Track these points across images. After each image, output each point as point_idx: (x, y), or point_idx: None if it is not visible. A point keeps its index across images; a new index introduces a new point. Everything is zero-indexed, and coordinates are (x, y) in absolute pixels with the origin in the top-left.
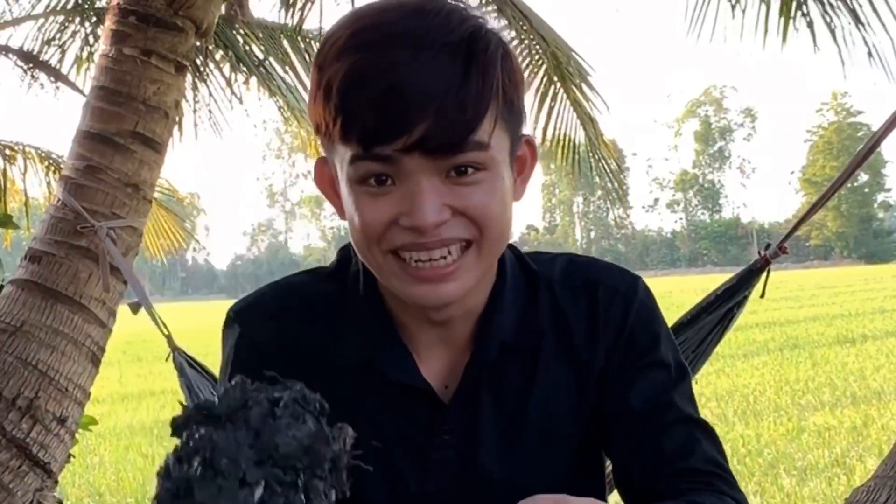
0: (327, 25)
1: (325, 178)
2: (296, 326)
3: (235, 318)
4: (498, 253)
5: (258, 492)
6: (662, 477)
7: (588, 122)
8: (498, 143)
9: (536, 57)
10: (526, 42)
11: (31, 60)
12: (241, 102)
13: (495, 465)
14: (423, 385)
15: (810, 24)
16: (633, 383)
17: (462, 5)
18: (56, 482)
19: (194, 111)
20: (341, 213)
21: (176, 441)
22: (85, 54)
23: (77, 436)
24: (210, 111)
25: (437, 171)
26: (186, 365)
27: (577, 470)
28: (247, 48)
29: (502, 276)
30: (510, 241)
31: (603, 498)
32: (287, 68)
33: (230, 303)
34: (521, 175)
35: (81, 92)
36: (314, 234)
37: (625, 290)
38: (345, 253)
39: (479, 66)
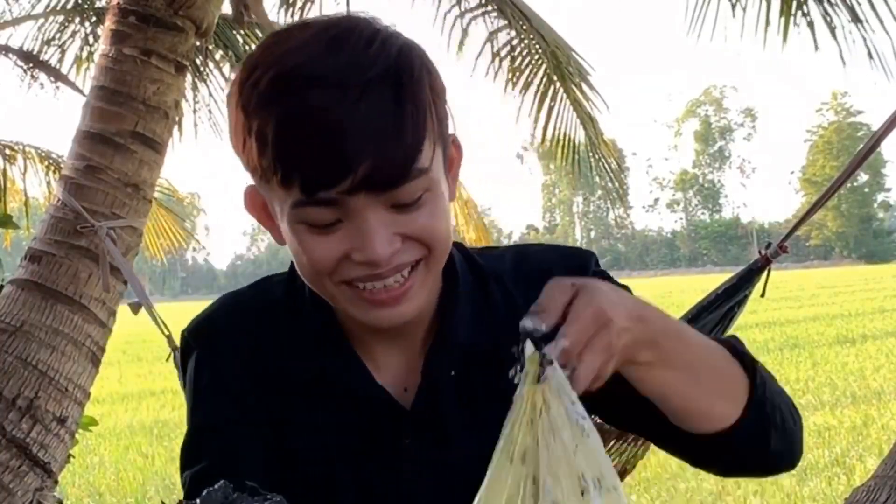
0: None
1: (257, 204)
2: (251, 342)
3: (191, 338)
4: (443, 262)
5: None
6: None
7: (588, 121)
8: (436, 162)
9: (536, 57)
10: (526, 42)
11: (31, 60)
12: None
13: (467, 464)
14: (378, 393)
15: (810, 24)
16: None
17: (379, 25)
18: (56, 482)
19: (194, 111)
20: (279, 238)
21: None
22: (85, 54)
23: (77, 436)
24: (210, 111)
25: (384, 204)
26: None
27: None
28: (247, 48)
29: (453, 277)
30: (457, 241)
31: None
32: None
33: None
34: (451, 173)
35: (81, 92)
36: None
37: (577, 268)
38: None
39: (410, 94)
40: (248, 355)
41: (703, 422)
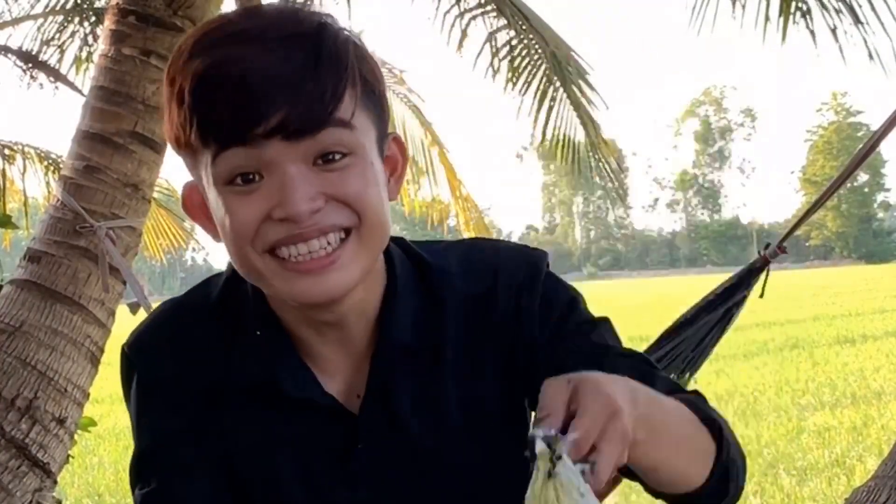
0: None
1: (194, 203)
2: (194, 353)
3: (132, 354)
4: (380, 244)
5: None
6: None
7: (588, 121)
8: (362, 126)
9: (536, 56)
10: (525, 42)
11: (30, 60)
12: None
13: (423, 463)
14: (325, 401)
15: (808, 18)
16: (567, 347)
17: (309, 4)
18: (55, 482)
19: None
20: (216, 235)
21: None
22: (84, 54)
23: (76, 436)
24: None
25: (304, 157)
26: None
27: (515, 458)
28: None
29: (393, 275)
30: (399, 236)
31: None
32: None
33: None
34: (394, 175)
35: (80, 92)
36: None
37: (529, 267)
38: (234, 270)
39: (330, 52)
40: (192, 368)
41: (679, 485)
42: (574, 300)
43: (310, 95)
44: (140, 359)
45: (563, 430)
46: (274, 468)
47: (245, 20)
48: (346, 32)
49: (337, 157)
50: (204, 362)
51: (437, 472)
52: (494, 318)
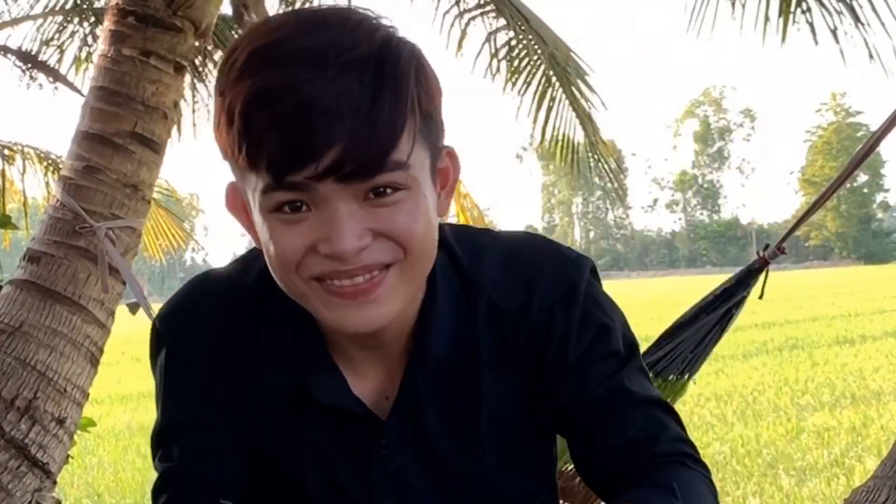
0: None
1: (237, 203)
2: (226, 338)
3: (163, 330)
4: (424, 272)
5: None
6: (632, 465)
7: (587, 121)
8: (417, 161)
9: (535, 57)
10: (524, 42)
11: (29, 61)
12: None
13: (446, 478)
14: (355, 407)
15: (808, 15)
16: (587, 377)
17: (371, 14)
18: (55, 483)
19: (193, 111)
20: (257, 239)
21: None
22: (84, 55)
23: (76, 436)
24: (209, 111)
25: (355, 195)
26: None
27: (533, 469)
28: None
29: (432, 287)
30: (445, 226)
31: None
32: None
33: None
34: (444, 189)
35: (80, 92)
36: None
37: (568, 284)
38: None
39: (391, 83)
40: (223, 353)
41: None
42: (607, 327)
43: (366, 137)
44: (171, 336)
45: None
46: (296, 465)
47: (303, 35)
48: (409, 48)
49: (389, 191)
50: (236, 350)
51: (460, 484)
52: (525, 333)
